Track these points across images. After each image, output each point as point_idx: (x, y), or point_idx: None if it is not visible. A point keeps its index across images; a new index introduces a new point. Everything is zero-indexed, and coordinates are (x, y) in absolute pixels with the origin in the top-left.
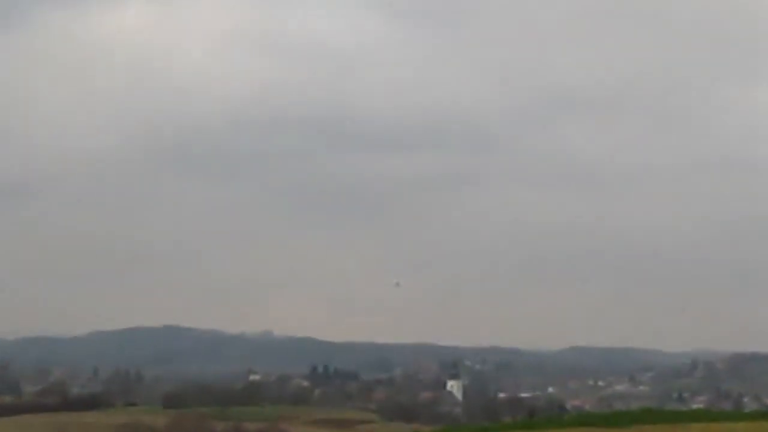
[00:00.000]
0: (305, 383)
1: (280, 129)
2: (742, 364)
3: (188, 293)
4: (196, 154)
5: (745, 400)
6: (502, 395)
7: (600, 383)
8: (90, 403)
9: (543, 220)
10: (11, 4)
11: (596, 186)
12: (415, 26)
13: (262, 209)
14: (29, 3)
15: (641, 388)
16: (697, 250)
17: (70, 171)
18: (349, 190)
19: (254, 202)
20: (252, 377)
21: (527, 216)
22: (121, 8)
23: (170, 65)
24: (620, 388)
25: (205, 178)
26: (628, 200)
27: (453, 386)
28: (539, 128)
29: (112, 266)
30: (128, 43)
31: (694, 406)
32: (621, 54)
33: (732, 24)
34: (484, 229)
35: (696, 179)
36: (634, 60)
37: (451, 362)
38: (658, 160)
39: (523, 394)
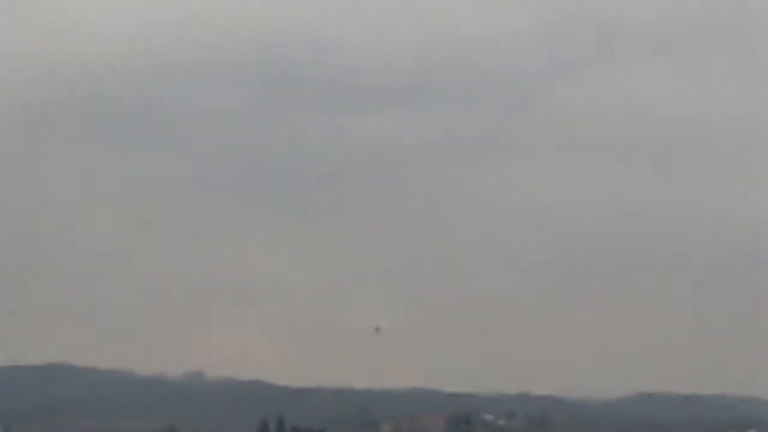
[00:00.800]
0: None
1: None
2: None
3: (83, 319)
4: (92, 114)
5: None
6: None
7: None
8: None
9: (594, 207)
10: None
11: (669, 158)
12: None
13: (188, 193)
14: None
15: None
16: None
17: None
18: (315, 165)
19: (177, 181)
20: None
21: (571, 201)
22: None
23: None
24: None
25: (104, 148)
26: (718, 178)
27: None
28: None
29: None
30: None
31: None
32: None
33: None
34: (509, 220)
35: None
36: None
37: (463, 416)
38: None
39: None
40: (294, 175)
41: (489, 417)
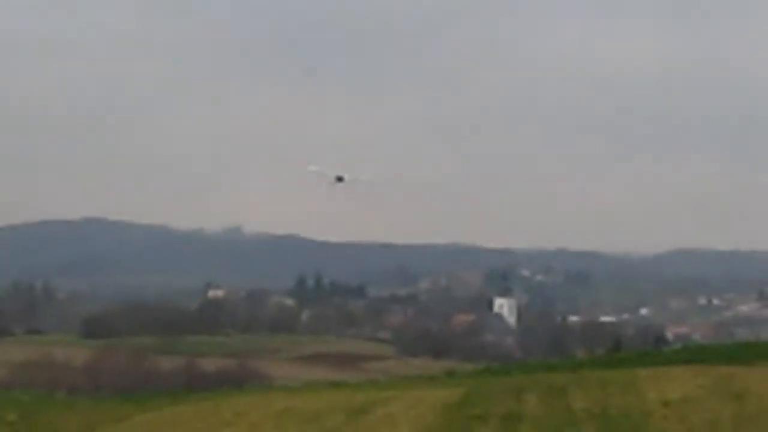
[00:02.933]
0: (289, 302)
1: None
2: None
3: (119, 173)
4: None
5: None
6: (573, 319)
7: (716, 302)
8: None
9: (637, 62)
10: None
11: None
12: None
13: (223, 48)
14: None
15: None
16: None
17: None
18: (353, 16)
19: (210, 36)
20: (212, 293)
21: (613, 53)
22: None
23: None
24: (745, 308)
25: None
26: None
27: (503, 306)
28: None
29: (5, 143)
30: None
31: None
32: None
33: None
34: (550, 76)
35: None
36: None
37: (501, 272)
38: None
39: (605, 318)
40: (334, 31)
41: (526, 272)
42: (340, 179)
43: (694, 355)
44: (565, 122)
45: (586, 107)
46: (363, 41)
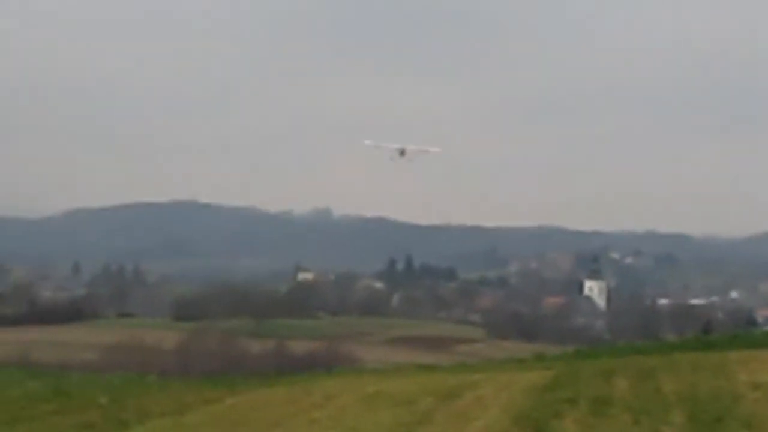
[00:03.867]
0: (378, 285)
1: None
2: None
3: (209, 156)
4: None
5: None
6: (663, 302)
7: None
8: (67, 313)
9: (719, 40)
10: None
11: None
12: None
13: (313, 31)
14: None
15: None
16: None
17: None
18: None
19: (297, 21)
20: (301, 276)
21: (698, 31)
22: None
23: None
24: None
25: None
26: None
27: (593, 289)
28: None
29: (94, 124)
30: None
31: None
32: None
33: None
34: (633, 54)
35: None
36: None
37: (591, 254)
38: None
39: (695, 301)
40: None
41: (615, 255)
42: (402, 153)
43: None
44: (654, 101)
45: (675, 86)
46: (442, 23)
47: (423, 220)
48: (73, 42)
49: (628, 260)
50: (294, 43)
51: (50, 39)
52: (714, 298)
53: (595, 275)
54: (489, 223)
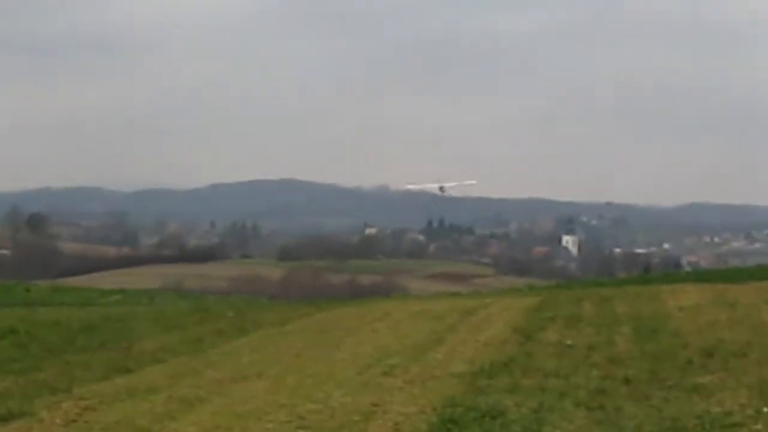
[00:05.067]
0: (420, 237)
1: None
2: None
3: (306, 147)
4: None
5: None
6: (617, 251)
7: (716, 240)
8: (206, 255)
9: (654, 78)
10: None
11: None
12: None
13: (378, 63)
14: None
15: (757, 245)
16: None
17: (186, 26)
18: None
19: (368, 56)
20: (368, 231)
21: (637, 73)
22: None
23: None
24: (737, 245)
25: (314, 33)
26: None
27: (568, 242)
28: None
29: (229, 120)
30: None
31: None
32: None
33: None
34: (596, 87)
35: None
36: None
37: (567, 218)
38: None
39: (639, 250)
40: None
41: (584, 219)
42: (442, 189)
43: (700, 276)
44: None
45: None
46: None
47: (453, 192)
48: None
49: (593, 222)
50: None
51: None
52: (652, 249)
53: (570, 232)
54: (496, 195)
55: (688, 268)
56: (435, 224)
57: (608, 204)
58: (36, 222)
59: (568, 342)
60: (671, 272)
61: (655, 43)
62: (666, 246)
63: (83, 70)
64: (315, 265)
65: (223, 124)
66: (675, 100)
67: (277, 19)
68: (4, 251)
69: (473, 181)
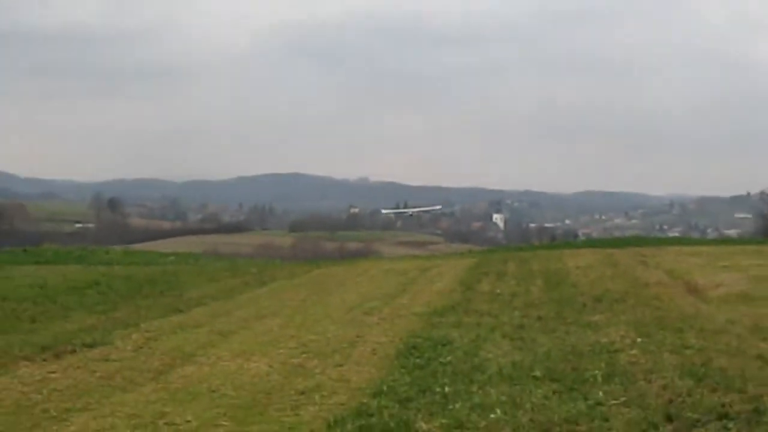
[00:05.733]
0: (390, 214)
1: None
2: (707, 204)
3: (307, 148)
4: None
5: (708, 231)
6: (532, 225)
7: (603, 217)
8: (236, 228)
9: (561, 99)
10: None
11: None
12: None
13: (360, 89)
14: None
15: (632, 221)
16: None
17: (218, 59)
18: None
19: (354, 84)
20: (352, 210)
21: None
22: None
23: None
24: (618, 221)
25: (314, 65)
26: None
27: (497, 219)
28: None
29: (251, 127)
30: None
31: (671, 235)
32: None
33: None
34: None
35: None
36: None
37: (496, 201)
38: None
39: (548, 225)
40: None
41: (508, 202)
42: (411, 215)
43: (591, 244)
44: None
45: None
46: None
47: (413, 182)
48: None
49: (515, 204)
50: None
51: None
52: (558, 224)
53: (498, 212)
54: (445, 185)
55: (583, 238)
56: (401, 206)
57: (526, 191)
58: (113, 204)
59: (497, 291)
60: (571, 241)
61: (564, 75)
62: (567, 222)
63: (149, 92)
64: (314, 236)
65: (246, 131)
66: (581, 115)
67: (279, 54)
68: (90, 225)
69: (438, 207)
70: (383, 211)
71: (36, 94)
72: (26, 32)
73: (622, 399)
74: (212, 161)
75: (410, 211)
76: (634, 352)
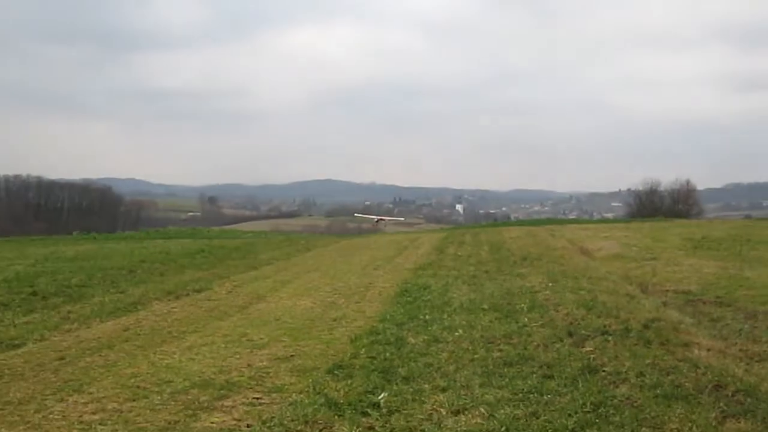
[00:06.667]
0: (390, 206)
1: None
2: (594, 197)
3: (340, 160)
4: None
5: (594, 215)
6: (481, 212)
7: (526, 206)
8: (291, 215)
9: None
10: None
11: None
12: None
13: (368, 122)
14: None
15: (545, 209)
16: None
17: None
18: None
19: (373, 123)
20: (366, 203)
21: (494, 127)
22: None
23: None
24: (536, 208)
25: (333, 107)
26: None
27: (459, 207)
28: None
29: (306, 146)
30: None
31: (570, 217)
32: None
33: None
34: (474, 133)
35: None
36: None
37: (458, 196)
38: None
39: (492, 211)
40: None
41: (466, 196)
42: (377, 221)
43: (520, 223)
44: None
45: None
46: None
47: (406, 184)
48: None
49: (471, 198)
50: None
51: None
52: (498, 211)
53: (459, 202)
54: (426, 185)
55: (514, 220)
56: (398, 200)
57: (477, 189)
58: (212, 200)
59: (459, 253)
60: (507, 221)
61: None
62: (504, 209)
63: (235, 128)
64: (342, 219)
65: (300, 152)
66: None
67: (323, 103)
68: (197, 214)
69: (402, 219)
70: (355, 214)
71: (162, 130)
72: (154, 89)
73: (540, 322)
74: (276, 170)
75: (375, 218)
76: (547, 292)
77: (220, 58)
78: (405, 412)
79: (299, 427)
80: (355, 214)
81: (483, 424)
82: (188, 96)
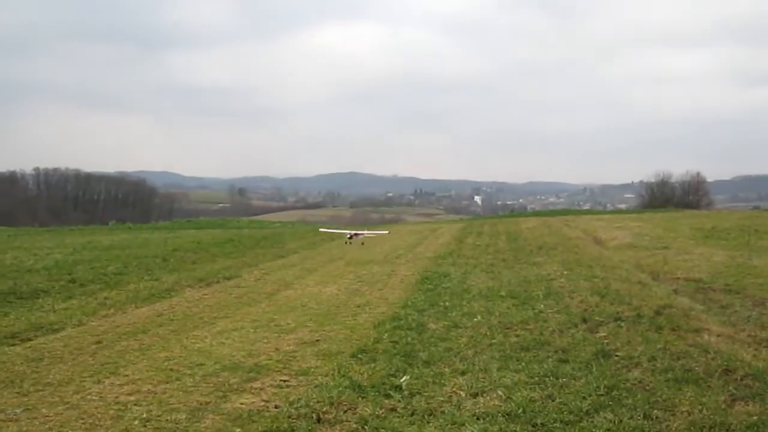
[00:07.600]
0: (411, 197)
1: None
2: (607, 189)
3: (363, 153)
4: None
5: (608, 206)
6: (499, 203)
7: (543, 198)
8: (316, 206)
9: None
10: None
11: None
12: None
13: (390, 119)
14: None
15: (561, 200)
16: None
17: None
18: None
19: (393, 116)
20: (388, 194)
21: (514, 123)
22: None
23: None
24: (551, 200)
25: (357, 103)
26: None
27: (477, 199)
28: None
29: (332, 146)
30: None
31: (584, 208)
32: None
33: None
34: (490, 129)
35: None
36: None
37: (477, 188)
38: None
39: (509, 202)
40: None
41: (484, 188)
42: (350, 237)
43: (536, 214)
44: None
45: None
46: None
47: (426, 176)
48: None
49: (488, 190)
50: None
51: None
52: (515, 202)
53: (478, 194)
54: (446, 177)
55: (530, 211)
56: (418, 191)
57: (495, 181)
58: (241, 192)
59: (477, 243)
60: (523, 212)
61: None
62: (521, 201)
63: (261, 123)
64: (365, 210)
65: (323, 145)
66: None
67: (345, 98)
68: (228, 205)
69: (386, 231)
70: (321, 229)
71: (194, 124)
72: (187, 86)
73: (555, 309)
74: (303, 163)
75: (348, 233)
76: (562, 280)
77: (249, 56)
78: (426, 394)
79: (324, 408)
80: (321, 229)
81: (500, 406)
82: (219, 92)
